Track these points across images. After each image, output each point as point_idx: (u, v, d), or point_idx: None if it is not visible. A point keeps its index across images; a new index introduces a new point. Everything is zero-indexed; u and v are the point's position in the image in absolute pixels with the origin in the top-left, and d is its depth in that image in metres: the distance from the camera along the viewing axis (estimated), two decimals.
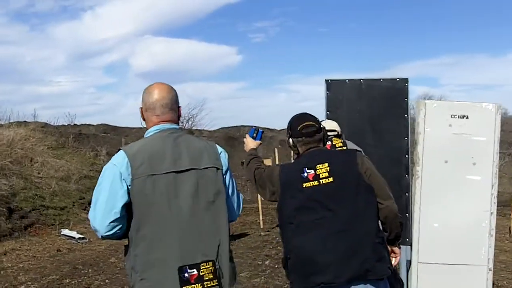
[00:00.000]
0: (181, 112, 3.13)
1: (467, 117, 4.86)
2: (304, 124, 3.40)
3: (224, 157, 2.96)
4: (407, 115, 4.98)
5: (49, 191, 15.31)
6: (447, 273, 4.87)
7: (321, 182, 3.21)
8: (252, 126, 4.12)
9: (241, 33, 68.02)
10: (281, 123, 49.74)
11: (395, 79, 4.99)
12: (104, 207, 2.74)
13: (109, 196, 2.74)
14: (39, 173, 16.65)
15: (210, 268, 2.75)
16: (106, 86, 65.79)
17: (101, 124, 24.23)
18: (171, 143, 2.88)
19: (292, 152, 3.81)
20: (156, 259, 2.71)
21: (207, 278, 2.73)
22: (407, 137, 4.95)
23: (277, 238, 11.07)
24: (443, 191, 4.85)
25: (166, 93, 2.99)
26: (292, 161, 4.24)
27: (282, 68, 74.56)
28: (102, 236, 2.79)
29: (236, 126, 24.32)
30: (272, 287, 7.27)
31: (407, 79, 4.98)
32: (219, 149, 2.98)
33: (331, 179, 3.20)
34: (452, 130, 4.85)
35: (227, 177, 2.96)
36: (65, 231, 12.40)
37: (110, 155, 20.68)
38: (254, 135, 3.96)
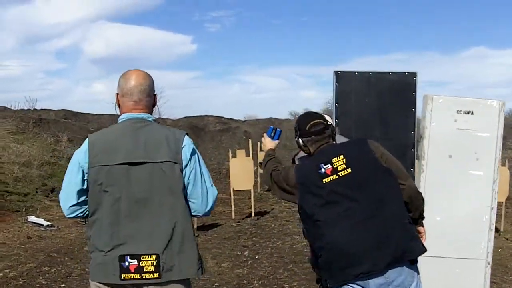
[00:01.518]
0: (157, 99, 3.17)
1: (472, 113, 4.95)
2: (312, 122, 3.41)
3: (187, 150, 2.91)
4: (415, 109, 5.03)
5: (11, 177, 14.89)
6: (446, 266, 4.95)
7: (340, 175, 3.20)
8: (271, 125, 4.12)
9: (197, 22, 67.73)
10: (240, 114, 49.63)
11: (404, 73, 5.03)
12: (65, 191, 2.99)
13: (69, 182, 2.96)
14: (0, 158, 16.19)
15: (153, 261, 2.82)
16: (57, 72, 64.49)
17: (62, 110, 23.67)
18: (130, 134, 2.92)
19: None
20: (104, 243, 2.85)
21: (147, 270, 2.82)
22: (414, 131, 5.00)
23: (250, 229, 11.08)
24: (447, 185, 4.93)
25: (143, 79, 3.02)
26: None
27: (237, 58, 74.55)
28: (67, 217, 3.07)
29: (200, 116, 24.13)
30: (257, 278, 7.25)
31: (415, 73, 5.02)
32: (185, 141, 2.93)
33: (349, 170, 3.20)
34: (457, 125, 4.93)
35: (187, 171, 2.91)
36: (32, 218, 12.06)
37: (71, 141, 20.33)
38: (272, 134, 3.95)
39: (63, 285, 6.91)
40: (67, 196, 2.98)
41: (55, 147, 19.58)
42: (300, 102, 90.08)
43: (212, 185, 3.00)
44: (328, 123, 3.45)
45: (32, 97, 38.59)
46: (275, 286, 6.83)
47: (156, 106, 3.13)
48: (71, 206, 2.97)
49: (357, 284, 3.14)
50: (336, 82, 4.99)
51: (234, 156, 12.96)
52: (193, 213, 2.96)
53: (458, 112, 4.90)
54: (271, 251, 9.04)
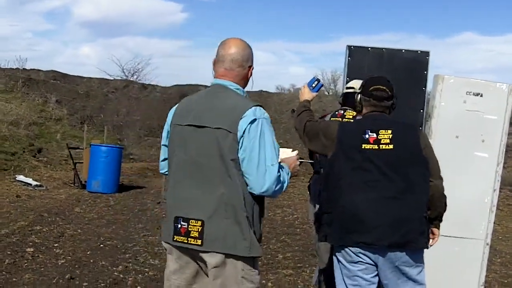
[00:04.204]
0: (252, 72, 3.05)
1: (481, 95, 4.96)
2: (377, 87, 3.41)
3: (246, 121, 2.78)
4: (425, 88, 5.04)
5: None
6: (446, 244, 4.99)
7: (381, 148, 3.23)
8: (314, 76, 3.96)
9: None
10: None
11: (417, 51, 5.02)
12: (162, 147, 3.12)
13: (162, 138, 3.10)
14: None
15: (199, 227, 2.80)
16: (45, 33, 63.46)
17: (51, 71, 23.32)
18: (205, 98, 2.95)
19: None
20: (168, 202, 2.99)
21: (192, 235, 2.81)
22: (423, 110, 5.01)
23: None
24: (451, 165, 4.93)
25: (238, 48, 2.95)
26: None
27: (227, 30, 73.81)
28: (160, 172, 3.22)
29: (191, 85, 23.96)
30: None
31: (428, 52, 5.02)
32: (248, 112, 2.81)
33: (391, 146, 3.23)
34: (466, 107, 4.94)
35: (243, 143, 2.78)
36: (21, 177, 12.01)
37: (59, 102, 20.11)
38: (313, 85, 3.84)
39: (56, 245, 6.89)
40: (161, 152, 3.12)
41: (43, 107, 19.38)
42: (287, 77, 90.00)
43: (273, 165, 2.78)
44: (394, 96, 3.45)
45: (21, 56, 38.00)
46: (269, 256, 6.89)
47: (250, 79, 3.05)
48: (161, 161, 3.12)
49: (353, 251, 3.22)
50: (348, 57, 4.97)
51: None
52: (249, 190, 2.79)
53: (467, 93, 4.91)
54: (263, 222, 9.06)
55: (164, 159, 3.09)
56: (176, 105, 3.05)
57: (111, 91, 22.84)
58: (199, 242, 2.78)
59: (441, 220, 3.53)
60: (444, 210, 3.50)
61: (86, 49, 61.81)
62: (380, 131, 3.26)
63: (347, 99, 4.40)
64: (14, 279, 5.41)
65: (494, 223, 5.75)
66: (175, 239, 2.86)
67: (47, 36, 63.49)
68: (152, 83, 25.68)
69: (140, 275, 5.81)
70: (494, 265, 7.00)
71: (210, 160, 2.81)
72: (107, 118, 20.62)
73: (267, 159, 2.78)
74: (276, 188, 2.78)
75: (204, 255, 2.82)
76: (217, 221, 2.78)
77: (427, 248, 3.34)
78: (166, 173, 3.07)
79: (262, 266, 6.35)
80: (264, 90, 24.72)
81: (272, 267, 6.38)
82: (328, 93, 35.56)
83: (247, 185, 2.78)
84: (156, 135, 20.00)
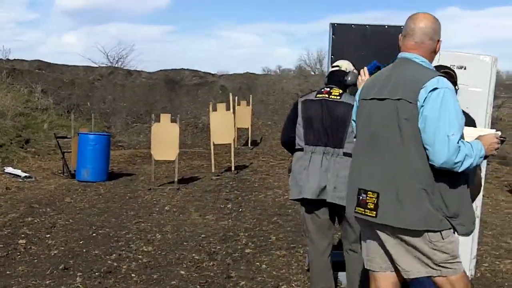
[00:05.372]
0: (440, 46, 3.09)
1: (465, 68, 5.00)
2: (448, 71, 3.76)
3: (426, 90, 2.79)
4: None
5: None
6: None
7: None
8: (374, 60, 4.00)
9: None
10: (216, 69, 49.13)
11: (400, 26, 4.96)
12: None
13: (353, 113, 3.30)
14: None
15: (374, 198, 2.86)
16: (28, 22, 62.78)
17: (36, 60, 23.06)
18: (389, 71, 3.07)
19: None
20: (350, 174, 3.16)
21: (369, 207, 2.89)
22: None
23: (231, 183, 11.14)
24: None
25: (430, 22, 3.03)
26: None
27: (213, 14, 73.31)
28: None
29: (176, 69, 23.78)
30: (243, 230, 7.32)
31: None
32: (429, 82, 2.81)
33: None
34: None
35: (423, 113, 2.78)
36: (9, 169, 11.92)
37: (45, 92, 19.94)
38: (374, 72, 3.78)
39: (48, 235, 6.88)
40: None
41: (29, 98, 19.20)
42: (274, 58, 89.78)
43: (454, 135, 2.72)
44: (457, 88, 3.69)
45: (4, 47, 37.56)
46: (262, 237, 6.91)
47: (437, 52, 3.11)
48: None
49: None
50: (332, 34, 4.96)
51: (215, 110, 12.86)
52: (430, 162, 2.76)
53: (451, 66, 4.91)
54: (254, 204, 9.12)
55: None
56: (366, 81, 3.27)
57: (97, 79, 22.66)
58: (373, 213, 2.87)
59: None
60: None
61: (70, 37, 61.42)
62: None
63: (333, 77, 4.40)
64: (7, 272, 5.41)
65: (483, 196, 5.81)
66: (356, 211, 2.95)
67: (30, 26, 62.84)
68: (137, 69, 25.56)
69: (134, 263, 5.83)
70: (485, 238, 7.07)
71: (389, 132, 2.85)
72: (94, 106, 20.49)
73: (447, 128, 2.73)
74: (456, 160, 2.71)
75: (378, 227, 2.91)
76: (391, 193, 2.82)
77: None
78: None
79: (255, 248, 6.39)
80: (250, 72, 24.58)
81: (265, 248, 6.41)
82: (314, 72, 35.55)
83: (427, 157, 2.76)
84: (144, 121, 19.93)
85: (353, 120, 3.20)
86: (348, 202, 3.08)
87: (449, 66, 3.92)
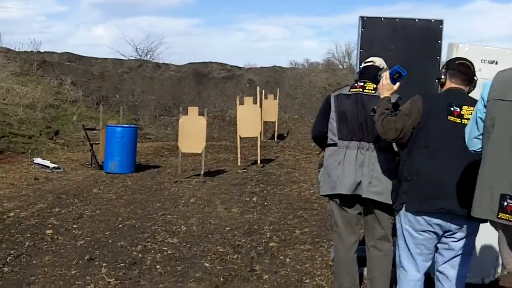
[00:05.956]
0: None
1: (496, 63, 4.87)
2: (463, 62, 3.66)
3: None
4: (440, 57, 4.95)
5: (16, 119, 14.87)
6: None
7: (463, 122, 3.40)
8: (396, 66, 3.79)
9: None
10: (242, 62, 49.17)
11: (430, 20, 4.93)
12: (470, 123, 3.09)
13: (478, 111, 3.01)
14: (4, 99, 16.11)
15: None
16: (57, 15, 63.52)
17: (65, 53, 23.30)
18: None
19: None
20: (486, 179, 2.91)
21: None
22: (437, 80, 4.93)
23: (257, 176, 11.12)
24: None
25: None
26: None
27: (239, 6, 73.32)
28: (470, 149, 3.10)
29: (205, 62, 23.81)
30: (267, 223, 7.30)
31: (442, 20, 4.92)
32: None
33: None
34: (482, 75, 4.84)
35: None
36: (38, 160, 12.09)
37: (74, 84, 20.19)
38: (394, 77, 3.72)
39: (75, 226, 6.95)
40: (471, 128, 3.06)
41: (59, 90, 19.45)
42: (301, 52, 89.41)
43: None
44: (475, 79, 3.68)
45: (35, 39, 38.12)
46: (286, 231, 6.88)
47: None
48: (474, 138, 3.03)
49: (425, 219, 3.44)
50: (361, 28, 4.89)
51: (242, 103, 12.84)
52: None
53: (482, 61, 4.81)
54: (279, 197, 9.09)
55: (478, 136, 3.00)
56: (491, 81, 3.00)
57: (126, 72, 22.83)
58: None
59: None
60: None
61: (99, 30, 61.98)
62: (464, 106, 3.47)
63: (367, 72, 4.34)
64: (34, 262, 5.48)
65: None
66: (499, 217, 2.82)
67: (59, 18, 63.57)
68: (166, 62, 25.69)
69: (159, 254, 5.85)
70: None
71: None
72: (122, 99, 20.67)
73: None
74: None
75: None
76: None
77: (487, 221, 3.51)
78: (479, 150, 3.00)
79: (279, 242, 6.37)
80: (277, 65, 24.53)
81: (290, 242, 6.38)
82: (343, 66, 35.31)
83: None
84: (171, 114, 20.04)
85: (480, 117, 3.03)
86: (478, 203, 2.97)
87: (465, 57, 3.79)
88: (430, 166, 3.41)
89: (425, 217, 3.44)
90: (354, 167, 4.12)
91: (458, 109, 3.45)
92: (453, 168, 3.38)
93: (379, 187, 4.05)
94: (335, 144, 4.27)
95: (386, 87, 3.78)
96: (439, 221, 3.42)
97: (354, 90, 4.25)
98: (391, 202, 3.96)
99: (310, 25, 77.41)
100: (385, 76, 3.77)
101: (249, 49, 67.42)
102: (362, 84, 4.27)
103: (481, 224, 3.49)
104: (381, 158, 4.09)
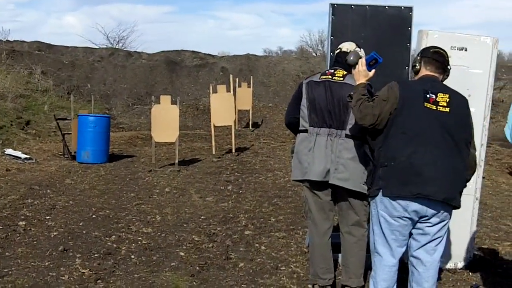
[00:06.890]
0: None
1: (465, 49, 4.95)
2: (438, 50, 3.73)
3: None
4: (410, 44, 5.00)
5: None
6: None
7: (438, 109, 3.51)
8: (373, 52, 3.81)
9: None
10: (214, 50, 48.96)
11: (400, 7, 4.98)
12: None
13: None
14: None
15: None
16: (27, 3, 62.43)
17: (35, 42, 22.96)
18: None
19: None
20: None
21: None
22: (408, 67, 4.99)
23: (232, 165, 11.12)
24: None
25: None
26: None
27: None
28: None
29: (177, 50, 23.66)
30: (242, 211, 7.32)
31: (411, 7, 4.97)
32: None
33: (447, 110, 3.52)
34: (451, 62, 4.89)
35: None
36: (9, 151, 11.90)
37: (45, 74, 19.89)
38: (370, 63, 3.74)
39: (48, 217, 6.89)
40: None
41: (29, 79, 19.16)
42: (274, 39, 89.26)
43: None
44: (449, 68, 3.77)
45: (3, 28, 37.39)
46: (261, 219, 6.91)
47: None
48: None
49: (401, 205, 3.47)
50: (332, 15, 4.92)
51: (215, 91, 12.80)
52: None
53: (452, 48, 4.88)
54: (254, 186, 9.11)
55: None
56: None
57: (97, 60, 22.57)
58: None
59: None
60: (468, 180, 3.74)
61: (70, 18, 61.17)
62: (439, 94, 3.55)
63: (338, 59, 4.37)
64: (7, 254, 5.42)
65: (483, 178, 5.80)
66: None
67: (29, 7, 62.49)
68: (138, 50, 25.47)
69: (133, 244, 5.84)
70: (485, 220, 7.08)
71: None
72: (94, 88, 20.43)
73: None
74: None
75: None
76: None
77: (459, 208, 3.63)
78: None
79: (254, 230, 6.40)
80: (251, 53, 24.47)
81: (265, 230, 6.42)
82: (316, 54, 35.38)
83: None
84: (144, 103, 19.87)
85: None
86: None
87: (439, 46, 3.86)
88: (406, 151, 3.45)
89: (401, 202, 3.46)
90: (324, 153, 4.18)
91: (434, 96, 3.52)
92: (430, 154, 3.43)
93: (345, 174, 4.11)
94: (306, 131, 4.32)
95: (362, 74, 3.79)
96: (415, 206, 3.45)
97: (324, 77, 4.29)
98: (357, 189, 4.04)
99: (284, 12, 77.33)
100: (361, 63, 3.79)
101: (223, 37, 67.10)
102: (332, 71, 4.31)
103: (453, 210, 3.57)
104: (349, 145, 4.14)
